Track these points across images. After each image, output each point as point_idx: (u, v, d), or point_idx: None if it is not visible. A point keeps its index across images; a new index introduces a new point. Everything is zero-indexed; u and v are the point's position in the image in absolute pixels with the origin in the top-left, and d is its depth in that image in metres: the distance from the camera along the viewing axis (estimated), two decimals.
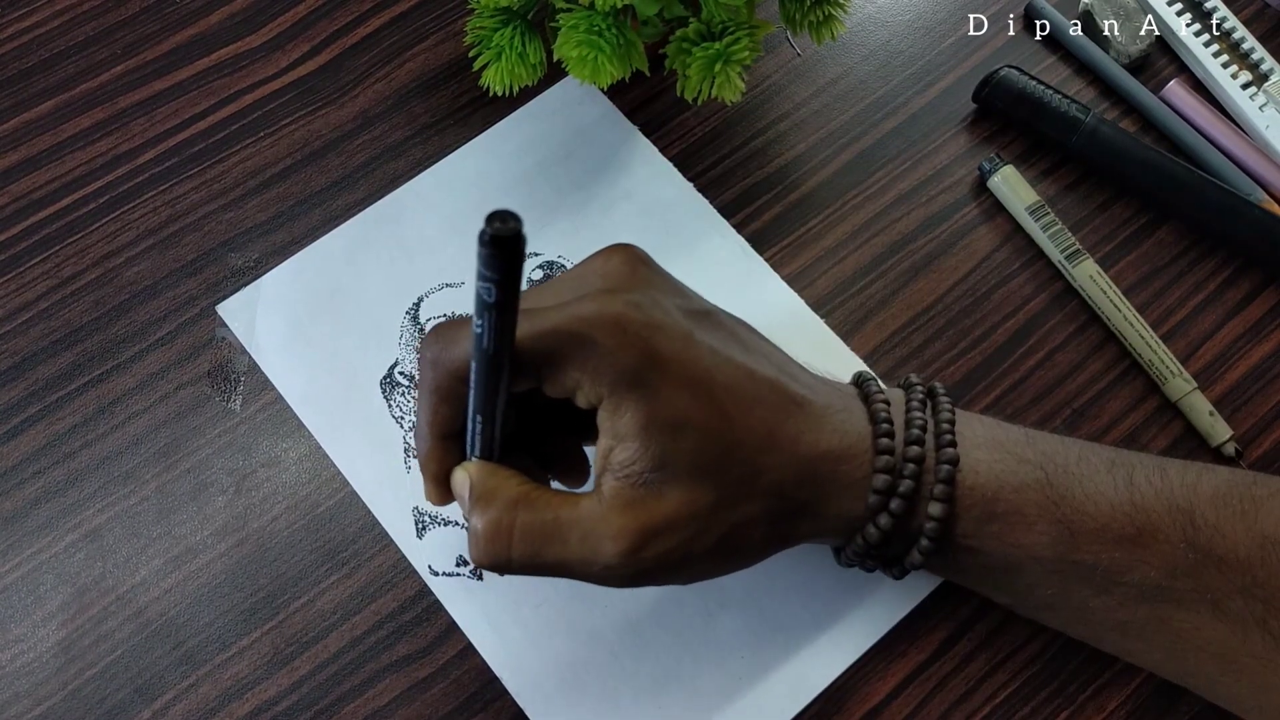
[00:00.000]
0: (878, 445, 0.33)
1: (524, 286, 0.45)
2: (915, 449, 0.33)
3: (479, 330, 0.29)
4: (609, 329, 0.30)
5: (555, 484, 0.37)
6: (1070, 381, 0.45)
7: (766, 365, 0.33)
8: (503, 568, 0.32)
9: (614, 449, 0.31)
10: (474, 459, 0.34)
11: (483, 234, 0.26)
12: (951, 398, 0.35)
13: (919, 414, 0.34)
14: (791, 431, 0.32)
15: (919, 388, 0.35)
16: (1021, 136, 0.49)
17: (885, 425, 0.33)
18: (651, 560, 0.31)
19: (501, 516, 0.31)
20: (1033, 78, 0.48)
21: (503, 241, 0.26)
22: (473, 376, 0.31)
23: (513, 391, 0.32)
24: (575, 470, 0.38)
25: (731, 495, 0.31)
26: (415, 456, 0.41)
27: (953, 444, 0.33)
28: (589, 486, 0.33)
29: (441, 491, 0.35)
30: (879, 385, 0.35)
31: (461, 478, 0.33)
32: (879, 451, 0.33)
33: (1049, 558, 0.33)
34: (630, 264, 0.33)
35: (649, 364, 0.30)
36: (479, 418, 0.32)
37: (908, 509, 0.33)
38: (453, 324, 0.33)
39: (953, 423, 0.34)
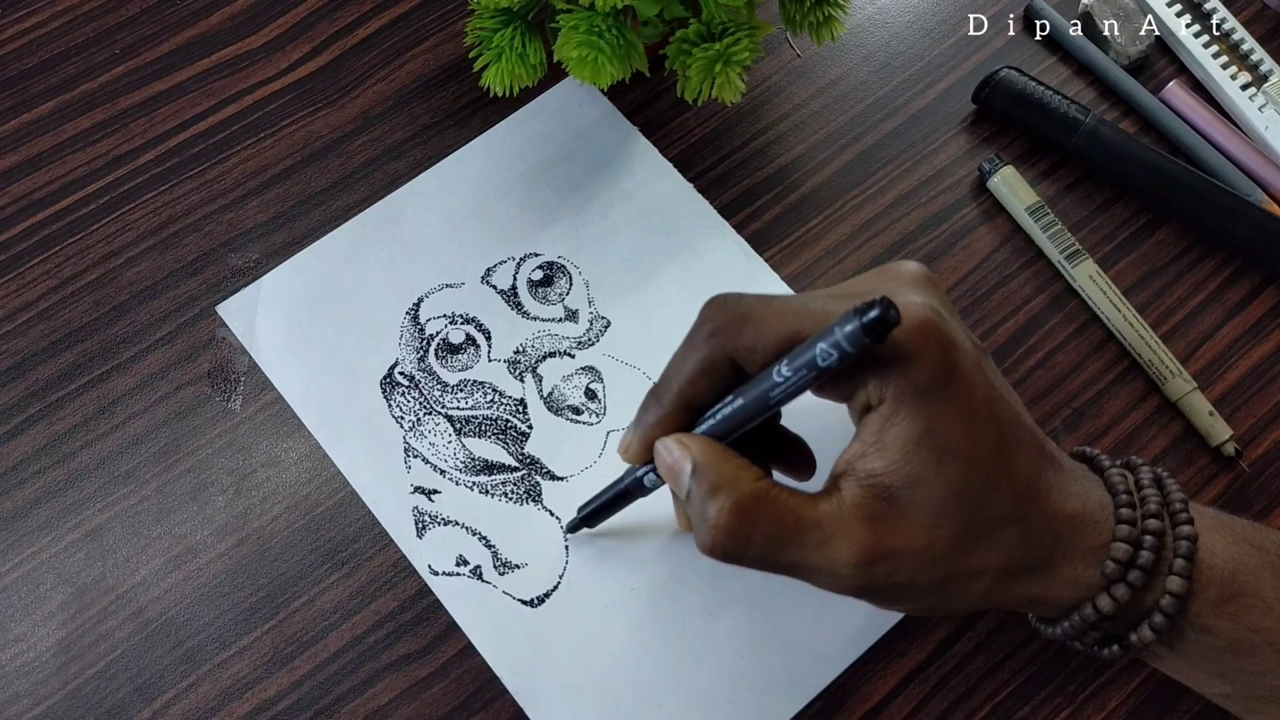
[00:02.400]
0: (1119, 515, 0.32)
1: (525, 288, 0.45)
2: (1155, 522, 0.32)
3: (792, 379, 0.29)
4: (914, 332, 0.29)
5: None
6: (1070, 381, 0.45)
7: (1026, 415, 0.32)
8: (732, 560, 0.31)
9: (867, 454, 0.30)
10: (697, 434, 0.33)
11: (867, 314, 0.26)
12: (1178, 483, 0.34)
13: (1153, 491, 0.33)
14: (1045, 486, 0.31)
15: (1146, 469, 0.34)
16: (1021, 137, 0.49)
17: (1125, 496, 0.32)
18: (880, 577, 0.30)
19: (744, 512, 0.30)
20: (1032, 78, 0.48)
21: (885, 330, 0.26)
22: (758, 391, 0.30)
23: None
24: (803, 465, 0.37)
25: (973, 537, 0.30)
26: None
27: (1190, 521, 0.32)
28: (814, 485, 0.32)
29: (646, 454, 0.34)
30: (1110, 460, 0.34)
31: (681, 453, 0.32)
32: (1119, 521, 0.32)
33: None
34: (927, 278, 0.32)
35: (941, 380, 0.29)
36: (738, 419, 0.31)
37: (1145, 582, 0.31)
38: (742, 301, 0.31)
39: (1186, 503, 0.33)
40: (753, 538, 0.30)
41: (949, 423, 0.29)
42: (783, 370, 0.29)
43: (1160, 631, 0.31)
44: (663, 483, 0.35)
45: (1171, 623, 0.31)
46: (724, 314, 0.32)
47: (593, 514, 0.40)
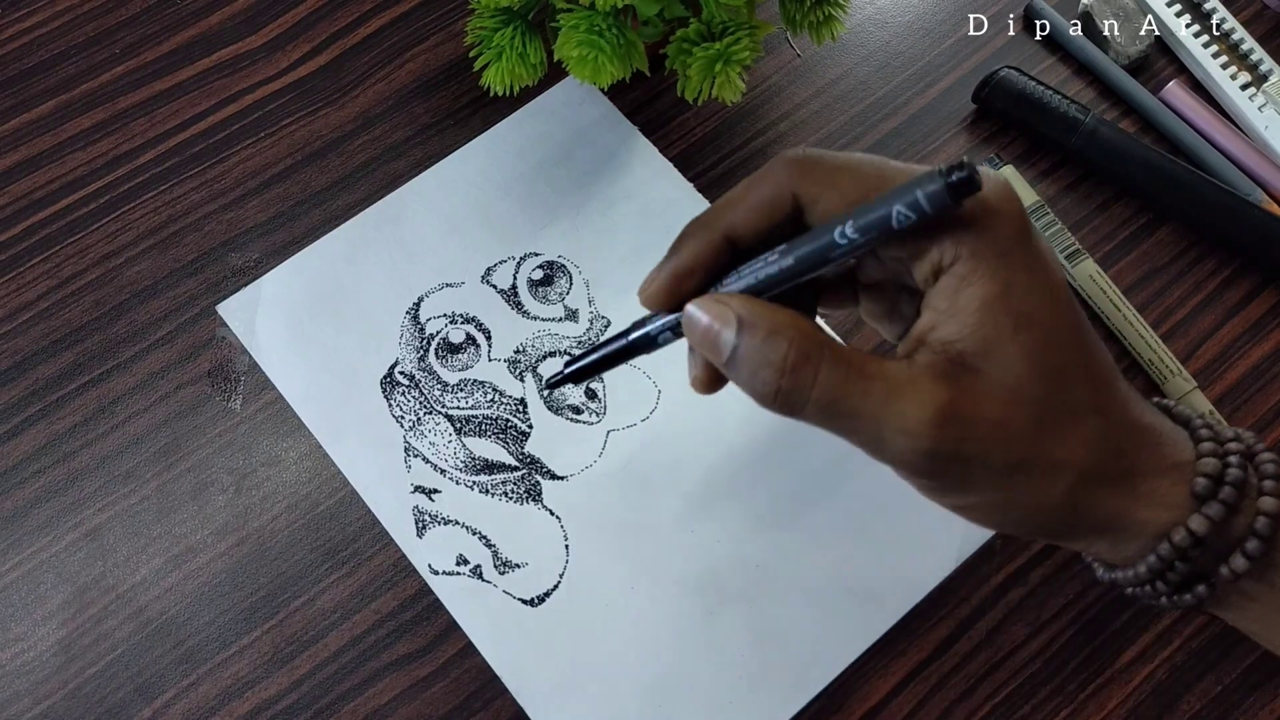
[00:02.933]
0: (1198, 435, 0.30)
1: (525, 287, 0.45)
2: (1236, 444, 0.30)
3: (858, 240, 0.27)
4: (995, 191, 0.27)
5: None
6: None
7: None
8: (795, 405, 0.29)
9: (939, 324, 0.28)
10: (729, 290, 0.30)
11: (954, 175, 0.25)
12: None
13: (1220, 426, 0.32)
14: (1123, 390, 0.29)
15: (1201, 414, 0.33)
16: (1021, 137, 0.49)
17: (1199, 420, 0.31)
18: (951, 442, 0.27)
19: (808, 353, 0.28)
20: (1032, 78, 0.48)
21: (970, 193, 0.25)
22: (822, 240, 0.28)
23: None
24: None
25: (1054, 421, 0.28)
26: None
27: (1267, 449, 0.30)
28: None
29: (671, 294, 0.31)
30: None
31: (721, 311, 0.29)
32: (1200, 440, 0.30)
33: None
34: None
35: (1022, 241, 0.27)
36: (793, 269, 0.29)
37: (1237, 501, 0.29)
38: (824, 152, 0.30)
39: (1261, 440, 0.31)
40: (817, 380, 0.28)
41: (1028, 286, 0.28)
42: (847, 231, 0.27)
43: (1254, 558, 0.29)
44: (675, 339, 0.32)
45: (1267, 546, 0.29)
46: (804, 154, 0.30)
47: (588, 368, 0.34)
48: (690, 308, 0.30)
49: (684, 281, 0.31)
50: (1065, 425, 0.28)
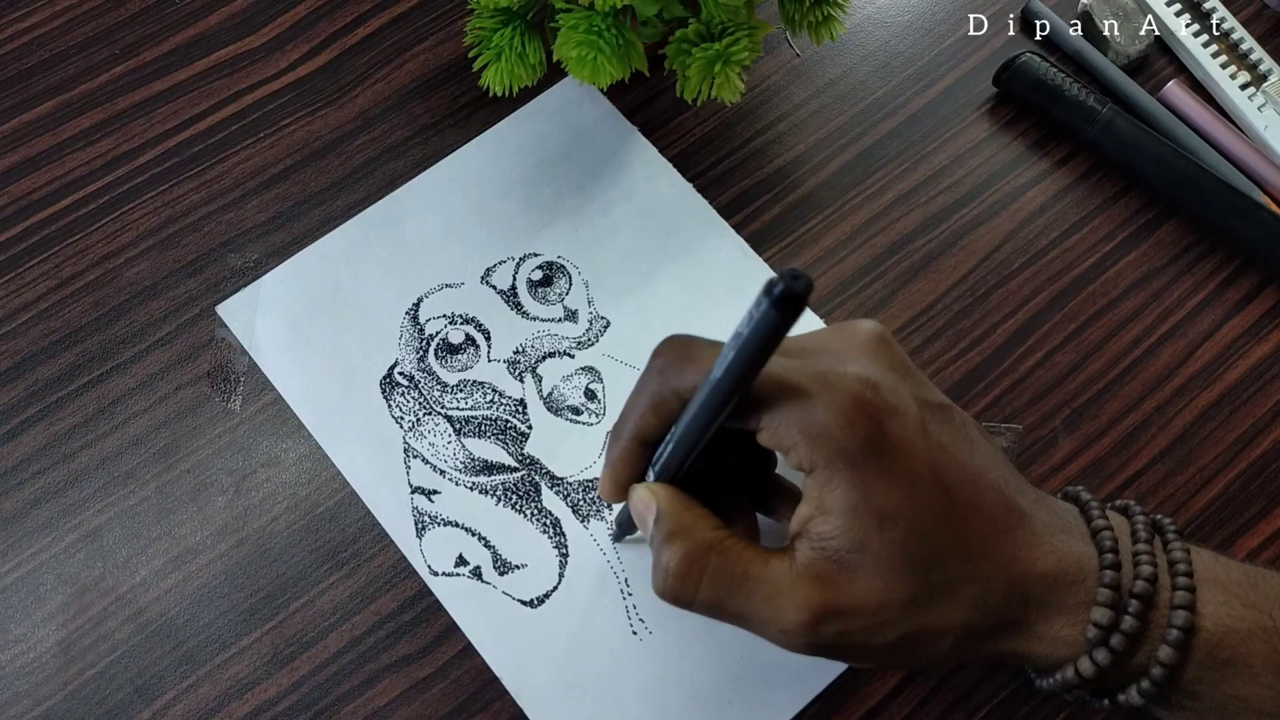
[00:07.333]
0: (1102, 578, 0.31)
1: (524, 288, 0.45)
2: (1144, 585, 0.31)
3: (721, 374, 0.29)
4: (842, 404, 0.30)
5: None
6: (1069, 381, 0.45)
7: (993, 470, 0.32)
8: (682, 605, 0.32)
9: (815, 519, 0.30)
10: (656, 477, 0.34)
11: (773, 287, 0.25)
12: (1180, 532, 0.33)
13: (1146, 548, 0.32)
14: (1008, 547, 0.31)
15: (1141, 517, 0.33)
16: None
17: (1110, 556, 0.31)
18: (829, 637, 0.30)
19: (695, 559, 0.31)
20: (1054, 64, 0.48)
21: (795, 301, 0.25)
22: (694, 405, 0.31)
23: (725, 427, 0.31)
24: (788, 507, 0.36)
25: (928, 597, 0.30)
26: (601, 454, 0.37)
27: (1190, 586, 0.31)
28: (778, 541, 0.33)
29: (618, 492, 0.35)
30: (1100, 508, 0.33)
31: (648, 499, 0.33)
32: (1103, 584, 0.31)
33: (1270, 712, 0.31)
34: (879, 341, 0.32)
35: (873, 448, 0.30)
36: (681, 442, 0.32)
37: (1129, 646, 0.31)
38: (692, 343, 0.33)
39: (1190, 564, 0.32)
40: (700, 585, 0.31)
41: (885, 489, 0.30)
42: (723, 358, 0.29)
43: (1149, 698, 0.31)
44: None
45: (1160, 690, 0.31)
46: (672, 353, 0.32)
47: (621, 530, 0.41)
48: (630, 491, 0.35)
49: (623, 482, 0.35)
50: (939, 599, 0.31)
